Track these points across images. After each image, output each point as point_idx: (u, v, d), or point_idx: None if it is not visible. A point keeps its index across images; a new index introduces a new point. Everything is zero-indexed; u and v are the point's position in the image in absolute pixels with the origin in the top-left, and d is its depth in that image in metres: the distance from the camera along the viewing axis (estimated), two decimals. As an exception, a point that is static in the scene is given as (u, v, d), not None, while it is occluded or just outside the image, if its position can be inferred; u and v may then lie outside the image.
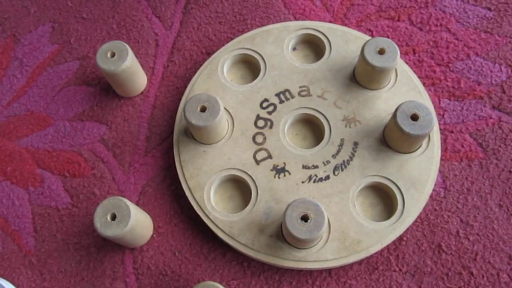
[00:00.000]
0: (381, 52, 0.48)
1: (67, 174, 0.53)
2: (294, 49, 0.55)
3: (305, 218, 0.42)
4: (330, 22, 0.57)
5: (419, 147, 0.48)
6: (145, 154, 0.53)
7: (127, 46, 0.51)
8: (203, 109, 0.46)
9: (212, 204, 0.48)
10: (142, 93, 0.56)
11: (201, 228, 0.49)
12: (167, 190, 0.51)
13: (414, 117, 0.44)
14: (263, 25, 0.57)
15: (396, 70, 0.52)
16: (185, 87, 0.54)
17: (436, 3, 0.58)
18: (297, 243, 0.44)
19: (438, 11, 0.57)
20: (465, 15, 0.57)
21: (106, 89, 0.56)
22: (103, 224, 0.44)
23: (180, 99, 0.54)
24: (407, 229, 0.47)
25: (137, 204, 0.51)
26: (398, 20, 0.57)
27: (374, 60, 0.47)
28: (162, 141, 0.53)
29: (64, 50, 0.60)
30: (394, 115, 0.45)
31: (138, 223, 0.45)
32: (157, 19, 0.60)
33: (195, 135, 0.49)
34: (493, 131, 0.51)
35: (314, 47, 0.55)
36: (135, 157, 0.53)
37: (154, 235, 0.49)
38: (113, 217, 0.44)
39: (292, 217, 0.42)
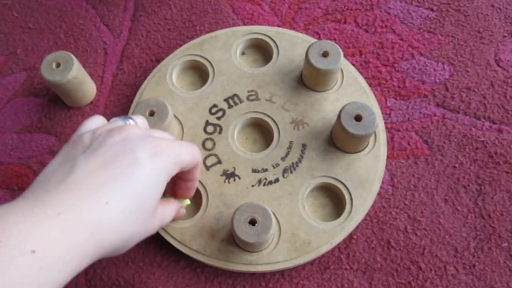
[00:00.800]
0: (325, 54, 0.48)
1: (16, 188, 0.52)
2: (243, 53, 0.56)
3: (252, 222, 0.42)
4: (279, 26, 0.58)
5: (365, 147, 0.49)
6: (95, 164, 0.52)
7: (72, 56, 0.50)
8: (151, 114, 0.46)
9: (163, 211, 0.48)
10: (91, 102, 0.55)
11: (153, 236, 0.48)
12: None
13: (358, 118, 0.45)
14: (212, 31, 0.58)
15: (342, 71, 0.53)
16: (135, 95, 0.54)
17: (381, 5, 0.59)
18: (248, 247, 0.44)
19: (383, 13, 0.59)
20: (409, 16, 0.58)
21: (55, 99, 0.56)
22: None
23: (129, 108, 0.54)
24: (357, 227, 0.48)
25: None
26: (345, 23, 0.58)
27: (318, 62, 0.48)
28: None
29: (10, 62, 0.59)
30: (339, 116, 0.46)
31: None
32: (106, 27, 0.60)
33: (144, 143, 0.49)
34: (437, 128, 0.52)
35: (262, 51, 0.56)
36: (85, 167, 0.52)
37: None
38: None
39: (240, 221, 0.42)
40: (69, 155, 0.35)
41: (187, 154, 0.38)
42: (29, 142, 0.54)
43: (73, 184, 0.32)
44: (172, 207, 0.41)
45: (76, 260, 0.30)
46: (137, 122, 0.40)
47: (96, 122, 0.39)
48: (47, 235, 0.29)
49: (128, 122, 0.39)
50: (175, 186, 0.43)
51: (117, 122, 0.39)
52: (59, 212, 0.30)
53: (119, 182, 0.33)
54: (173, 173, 0.37)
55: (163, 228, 0.47)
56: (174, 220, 0.46)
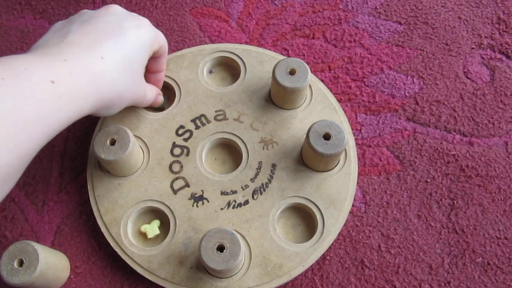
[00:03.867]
0: (292, 72, 0.48)
1: None
2: (210, 72, 0.55)
3: (220, 248, 0.41)
4: (246, 43, 0.57)
5: (336, 165, 0.48)
6: (59, 191, 0.50)
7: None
8: (112, 142, 0.45)
9: (130, 239, 0.46)
10: (54, 126, 0.54)
11: (120, 265, 0.47)
12: (84, 227, 0.49)
13: (326, 137, 0.45)
14: (179, 49, 0.56)
15: (311, 88, 0.52)
16: (99, 118, 0.52)
17: (349, 19, 0.59)
18: (217, 273, 0.43)
19: (351, 27, 0.58)
20: (377, 30, 0.58)
21: (16, 124, 0.54)
22: (9, 272, 0.41)
23: (94, 131, 0.52)
24: (330, 248, 0.47)
25: (53, 244, 0.48)
26: (313, 38, 0.58)
27: (285, 81, 0.47)
28: (77, 175, 0.51)
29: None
30: (307, 135, 0.45)
31: (49, 266, 0.43)
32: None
33: (109, 169, 0.47)
34: (408, 143, 0.52)
35: (230, 69, 0.55)
36: (48, 195, 0.50)
37: (72, 276, 0.47)
38: (21, 263, 0.41)
39: (208, 248, 0.40)
40: (60, 28, 0.40)
41: (162, 37, 0.46)
42: None
43: (70, 43, 0.37)
44: (153, 88, 0.48)
45: (82, 99, 0.36)
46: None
47: None
48: (61, 72, 0.34)
49: None
50: (147, 81, 0.48)
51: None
52: (66, 59, 0.35)
53: (110, 41, 0.39)
54: (153, 47, 0.43)
55: (129, 256, 0.45)
56: (151, 106, 0.50)
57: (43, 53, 0.36)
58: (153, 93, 0.48)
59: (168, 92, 0.53)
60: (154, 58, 0.47)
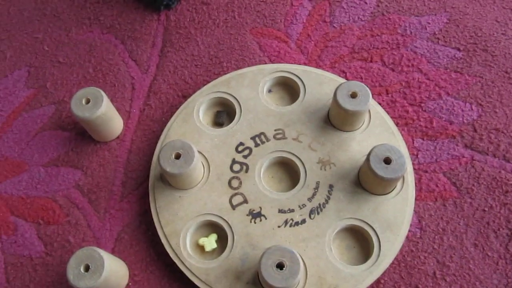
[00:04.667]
0: (353, 95, 0.48)
1: (41, 222, 0.52)
2: (269, 91, 0.56)
3: (280, 266, 0.41)
4: (305, 64, 0.58)
5: (393, 189, 0.49)
6: (120, 200, 0.52)
7: (102, 92, 0.51)
8: (177, 156, 0.46)
9: (188, 250, 0.47)
10: (118, 137, 0.56)
11: (177, 276, 0.48)
12: (143, 237, 0.51)
13: (387, 161, 0.45)
14: (238, 68, 0.58)
15: (369, 111, 0.52)
16: (161, 130, 0.54)
17: (407, 44, 0.59)
18: (274, 290, 0.44)
19: (409, 52, 0.59)
20: (435, 56, 0.58)
21: (82, 133, 0.56)
22: (76, 276, 0.43)
23: (156, 143, 0.54)
24: (384, 272, 0.47)
25: (113, 251, 0.50)
26: (371, 61, 0.58)
27: (347, 103, 0.48)
28: (138, 186, 0.53)
29: (40, 95, 0.60)
30: (367, 158, 0.45)
31: (112, 273, 0.45)
32: (134, 62, 0.60)
33: (171, 181, 0.49)
34: (466, 170, 0.52)
35: (289, 89, 0.56)
36: (110, 202, 0.52)
37: (130, 283, 0.49)
38: (87, 268, 0.43)
39: (267, 265, 0.41)
40: None
41: None
42: (56, 176, 0.54)
43: None
44: None
45: None
46: None
47: None
48: None
49: None
50: None
51: None
52: None
53: None
54: None
55: (187, 268, 0.46)
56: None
57: None
58: None
59: (228, 108, 0.55)
60: None
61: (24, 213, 0.53)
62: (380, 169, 0.45)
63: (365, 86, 0.49)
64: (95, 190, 0.53)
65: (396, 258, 0.48)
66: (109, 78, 0.60)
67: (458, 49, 0.58)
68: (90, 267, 0.43)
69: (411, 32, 0.60)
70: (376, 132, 0.51)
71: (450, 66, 0.57)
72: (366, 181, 0.48)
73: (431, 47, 0.59)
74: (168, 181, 0.50)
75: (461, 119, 0.54)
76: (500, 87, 0.56)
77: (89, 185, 0.53)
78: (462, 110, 0.55)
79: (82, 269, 0.43)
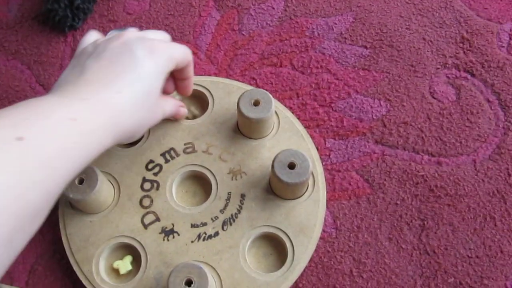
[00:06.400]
0: (256, 103, 0.48)
1: None
2: (180, 105, 0.55)
3: (188, 283, 0.41)
4: (215, 74, 0.58)
5: (304, 192, 0.49)
6: (32, 230, 0.51)
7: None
8: (80, 181, 0.45)
9: (102, 276, 0.46)
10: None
11: (94, 302, 0.47)
12: (57, 266, 0.49)
13: (291, 166, 0.45)
14: (149, 84, 0.57)
15: (278, 116, 0.53)
16: (71, 155, 0.53)
17: (315, 46, 0.60)
18: (187, 308, 0.43)
19: (318, 54, 0.59)
20: (343, 55, 0.59)
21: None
22: None
23: (66, 169, 0.53)
24: (302, 275, 0.47)
25: (27, 284, 0.49)
26: (281, 66, 0.59)
27: (250, 112, 0.48)
28: (51, 214, 0.51)
29: None
30: (272, 165, 0.45)
31: (20, 308, 0.43)
32: (41, 87, 0.59)
33: (79, 207, 0.48)
34: (377, 166, 0.53)
35: (199, 101, 0.56)
36: (22, 234, 0.51)
37: (46, 316, 0.47)
38: None
39: (176, 283, 0.41)
40: (77, 63, 0.42)
41: (179, 53, 0.45)
42: None
43: (87, 81, 0.39)
44: (171, 102, 0.49)
45: (102, 134, 0.37)
46: (131, 31, 0.45)
47: (94, 36, 0.46)
48: (80, 110, 0.36)
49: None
50: (176, 87, 0.50)
51: (113, 33, 0.47)
52: (84, 98, 0.37)
53: (126, 74, 0.40)
54: (169, 68, 0.44)
55: (101, 294, 0.45)
56: (175, 118, 0.52)
57: (61, 93, 0.38)
58: (172, 108, 0.49)
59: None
60: (178, 70, 0.47)
61: None
62: (285, 175, 0.45)
63: (267, 93, 0.49)
64: (5, 223, 0.51)
65: (312, 260, 0.48)
66: None
67: (365, 47, 0.60)
68: None
69: (318, 34, 0.60)
70: (286, 136, 0.52)
71: (358, 64, 0.58)
72: (275, 187, 0.48)
73: (339, 47, 0.60)
74: (76, 206, 0.48)
75: (370, 115, 0.55)
76: (406, 80, 0.57)
77: (-1, 219, 0.52)
78: (371, 107, 0.56)
79: None
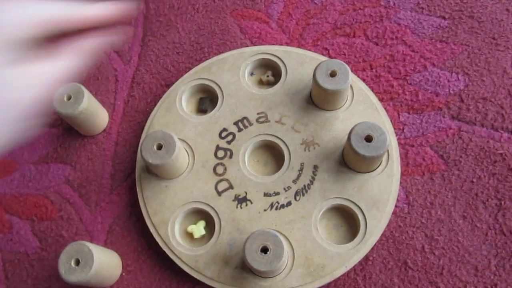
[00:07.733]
0: (333, 74, 0.48)
1: (35, 218, 0.53)
2: (251, 74, 0.55)
3: (264, 250, 0.42)
4: (287, 44, 0.58)
5: (378, 166, 0.48)
6: (110, 192, 0.53)
7: (82, 87, 0.51)
8: (159, 147, 0.47)
9: (177, 239, 0.48)
10: (104, 130, 0.56)
11: (168, 264, 0.49)
12: (134, 227, 0.51)
13: (368, 139, 0.45)
14: (220, 52, 0.58)
15: (352, 88, 0.52)
16: (146, 121, 0.54)
17: (390, 16, 0.58)
18: (261, 273, 0.44)
19: (393, 24, 0.57)
20: (420, 26, 0.57)
21: (69, 129, 0.57)
22: (67, 271, 0.44)
23: (141, 134, 0.54)
24: (372, 249, 0.47)
25: (105, 243, 0.51)
26: (354, 36, 0.57)
27: (326, 83, 0.47)
28: (127, 177, 0.54)
29: (26, 93, 0.60)
30: (349, 137, 0.45)
31: (103, 265, 0.46)
32: (115, 54, 0.60)
33: (155, 172, 0.49)
34: (453, 142, 0.51)
35: (271, 71, 0.55)
36: (100, 196, 0.53)
37: (123, 274, 0.50)
38: (77, 262, 0.44)
39: (251, 249, 0.42)
40: None
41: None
42: (46, 173, 0.55)
43: None
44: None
45: None
46: None
47: None
48: None
49: None
50: None
51: None
52: None
53: None
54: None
55: (177, 256, 0.47)
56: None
57: None
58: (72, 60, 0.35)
59: (211, 95, 0.54)
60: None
61: (18, 211, 0.54)
62: (362, 148, 0.44)
63: (344, 64, 0.48)
64: (84, 184, 0.54)
65: (383, 235, 0.48)
66: (92, 71, 0.60)
67: (443, 18, 0.57)
68: (80, 261, 0.44)
69: (394, 4, 0.58)
70: (360, 109, 0.51)
71: (435, 36, 0.56)
72: (349, 160, 0.47)
73: (415, 17, 0.57)
74: (153, 171, 0.50)
75: (447, 90, 0.53)
76: (487, 54, 0.55)
77: (79, 180, 0.54)
78: (448, 81, 0.54)
79: (72, 263, 0.44)
